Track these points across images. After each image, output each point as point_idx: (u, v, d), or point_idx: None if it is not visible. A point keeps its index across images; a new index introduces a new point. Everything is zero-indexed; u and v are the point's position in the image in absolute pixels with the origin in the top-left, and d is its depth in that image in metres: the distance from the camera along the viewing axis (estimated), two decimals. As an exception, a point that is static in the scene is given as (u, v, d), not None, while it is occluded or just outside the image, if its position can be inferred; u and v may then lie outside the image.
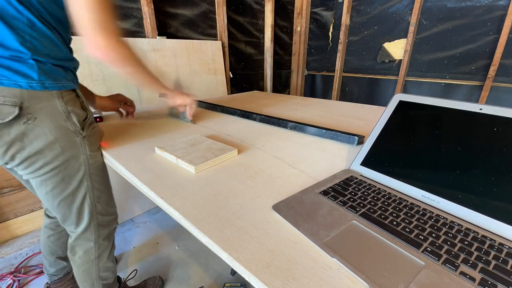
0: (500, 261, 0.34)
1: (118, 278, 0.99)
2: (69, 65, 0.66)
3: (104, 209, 0.78)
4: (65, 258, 0.99)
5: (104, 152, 0.75)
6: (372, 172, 0.55)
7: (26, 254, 1.30)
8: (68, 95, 0.64)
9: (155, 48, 1.57)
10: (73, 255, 0.78)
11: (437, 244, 0.37)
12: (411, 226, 0.40)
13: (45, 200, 0.70)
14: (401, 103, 0.58)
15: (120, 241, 1.40)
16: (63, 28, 0.64)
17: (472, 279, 0.32)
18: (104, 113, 1.14)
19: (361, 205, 0.46)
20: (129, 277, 1.17)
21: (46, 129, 0.60)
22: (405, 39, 1.93)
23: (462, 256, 0.35)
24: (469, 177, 0.44)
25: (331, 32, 2.36)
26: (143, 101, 1.55)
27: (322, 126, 0.92)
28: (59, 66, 0.62)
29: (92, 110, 0.82)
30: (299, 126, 0.90)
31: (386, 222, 0.41)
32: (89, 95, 0.90)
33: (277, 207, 0.46)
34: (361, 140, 0.77)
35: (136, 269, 1.22)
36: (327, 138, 0.83)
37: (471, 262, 0.34)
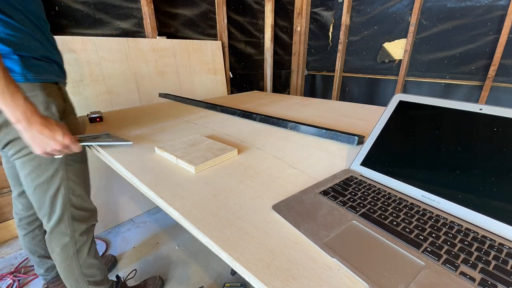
0: (500, 261, 0.34)
1: (117, 277, 0.99)
2: (54, 58, 0.71)
3: (79, 203, 0.78)
4: (49, 257, 0.99)
5: (104, 152, 0.75)
6: (372, 172, 0.55)
7: (26, 254, 1.30)
8: (50, 88, 0.69)
9: (155, 48, 1.57)
10: (52, 253, 0.79)
11: (437, 244, 0.37)
12: (411, 226, 0.40)
13: (25, 185, 0.73)
14: (401, 103, 0.58)
15: (120, 241, 1.40)
16: (42, 23, 0.68)
17: (472, 279, 0.32)
18: (104, 111, 1.14)
19: (361, 205, 0.46)
20: (129, 276, 1.17)
21: None
22: (405, 39, 1.93)
23: (462, 256, 0.35)
24: (469, 177, 0.44)
25: (331, 32, 2.36)
26: (142, 101, 1.55)
27: (322, 126, 0.92)
28: (42, 60, 0.67)
29: (94, 110, 0.83)
30: (298, 126, 0.90)
31: (386, 222, 0.41)
32: None
33: (277, 207, 0.46)
34: (361, 140, 0.77)
35: (135, 269, 1.22)
36: (327, 138, 0.83)
37: (471, 262, 0.34)
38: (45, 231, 0.81)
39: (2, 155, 0.79)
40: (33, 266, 1.23)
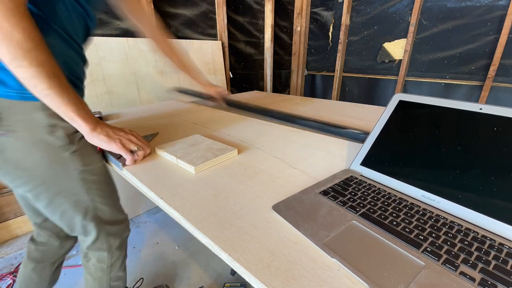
0: (500, 261, 0.34)
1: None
2: (67, 69, 0.59)
3: (111, 219, 0.74)
4: None
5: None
6: (372, 172, 0.55)
7: (26, 254, 1.30)
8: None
9: (155, 48, 1.57)
10: (87, 262, 0.76)
11: (437, 244, 0.37)
12: (411, 226, 0.40)
13: (48, 214, 0.67)
14: (401, 103, 0.58)
15: (120, 241, 1.40)
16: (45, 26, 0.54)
17: (472, 279, 0.32)
18: (105, 113, 1.14)
19: (361, 205, 0.46)
20: (136, 285, 1.16)
21: (25, 143, 0.56)
22: (405, 39, 1.93)
23: (462, 256, 0.35)
24: (469, 177, 0.44)
25: (331, 32, 2.36)
26: (142, 101, 1.55)
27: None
28: None
29: (94, 110, 0.79)
30: (307, 122, 0.93)
31: (386, 222, 0.41)
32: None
33: (277, 207, 0.46)
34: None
35: (142, 278, 1.20)
36: (335, 135, 0.84)
37: (471, 262, 0.34)
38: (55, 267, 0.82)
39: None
40: (33, 266, 1.23)
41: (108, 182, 0.74)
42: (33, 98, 0.52)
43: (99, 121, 0.61)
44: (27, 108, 0.54)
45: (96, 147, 0.68)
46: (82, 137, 0.61)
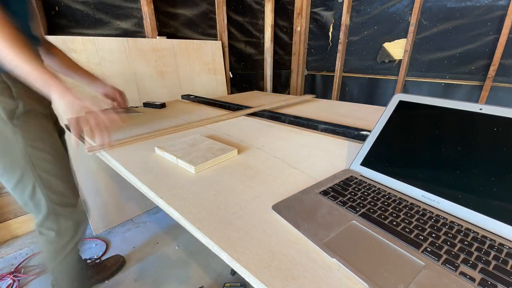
0: (500, 261, 0.34)
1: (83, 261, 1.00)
2: None
3: (62, 200, 0.77)
4: None
5: (103, 152, 0.75)
6: (372, 172, 0.55)
7: (26, 254, 1.30)
8: None
9: (155, 48, 1.57)
10: (39, 240, 0.79)
11: (437, 244, 0.37)
12: (411, 226, 0.40)
13: (4, 183, 0.72)
14: (401, 103, 0.58)
15: (120, 241, 1.40)
16: None
17: (472, 279, 0.32)
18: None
19: (361, 205, 0.46)
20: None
21: None
22: (405, 39, 1.93)
23: (462, 256, 0.35)
24: (469, 177, 0.44)
25: (331, 32, 2.35)
26: (142, 101, 1.55)
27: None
28: None
29: None
30: (311, 123, 0.93)
31: (386, 222, 0.41)
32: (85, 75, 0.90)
33: (276, 207, 0.46)
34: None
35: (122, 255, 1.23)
36: (335, 135, 0.84)
37: (471, 262, 0.34)
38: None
39: None
40: (33, 266, 1.23)
41: (61, 163, 0.76)
42: None
43: (71, 88, 0.62)
44: None
45: (49, 126, 0.72)
46: (25, 113, 0.66)
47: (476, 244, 0.37)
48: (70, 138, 0.69)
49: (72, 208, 0.80)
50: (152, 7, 1.54)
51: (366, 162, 0.57)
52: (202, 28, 1.84)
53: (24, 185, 0.71)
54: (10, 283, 1.13)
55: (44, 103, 0.75)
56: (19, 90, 0.66)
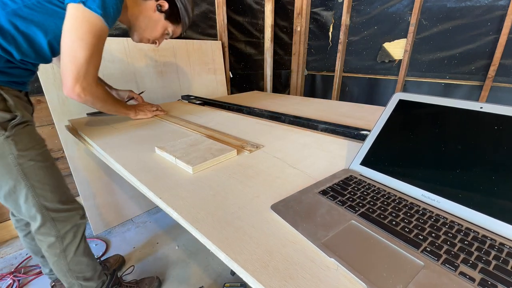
0: (500, 261, 0.34)
1: (113, 272, 1.00)
2: None
3: (55, 206, 0.77)
4: None
5: (103, 152, 0.75)
6: (371, 171, 0.55)
7: (26, 254, 1.29)
8: None
9: (155, 48, 1.57)
10: (41, 247, 0.80)
11: (436, 244, 0.37)
12: (410, 226, 0.40)
13: None
14: (401, 102, 0.57)
15: (120, 241, 1.40)
16: None
17: (472, 279, 0.31)
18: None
19: (360, 204, 0.46)
20: (126, 272, 1.18)
21: None
22: (405, 39, 1.93)
23: (462, 256, 0.35)
24: (470, 176, 0.43)
25: (331, 32, 2.35)
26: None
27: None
28: None
29: (94, 111, 0.83)
30: (311, 123, 0.94)
31: (386, 221, 0.41)
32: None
33: (275, 207, 0.46)
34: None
35: (133, 265, 1.23)
36: (335, 134, 0.83)
37: (471, 262, 0.34)
38: None
39: None
40: (33, 266, 1.23)
41: (51, 171, 0.77)
42: None
43: (133, 106, 1.06)
44: None
45: (37, 135, 0.76)
46: (17, 125, 0.69)
47: (476, 244, 0.36)
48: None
49: (68, 212, 0.81)
50: (152, 7, 1.53)
51: (365, 162, 0.57)
52: (202, 28, 1.84)
53: (16, 195, 0.72)
54: (10, 283, 1.13)
55: (30, 112, 0.77)
56: (14, 101, 0.68)
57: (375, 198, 0.47)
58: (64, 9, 0.65)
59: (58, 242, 0.79)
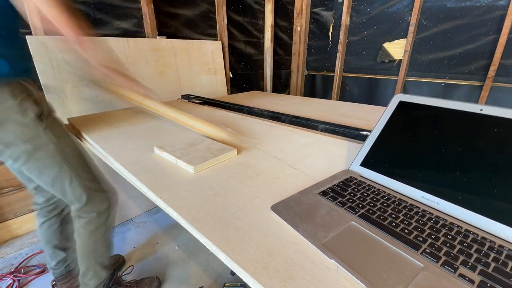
0: (499, 263, 0.34)
1: (113, 271, 1.00)
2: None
3: (96, 186, 0.84)
4: (62, 249, 1.02)
5: (102, 151, 0.75)
6: (371, 172, 0.55)
7: (26, 254, 1.30)
8: (20, 94, 0.68)
9: (155, 48, 1.57)
10: (78, 227, 0.85)
11: (436, 245, 0.37)
12: (410, 228, 0.40)
13: (42, 183, 0.79)
14: (401, 104, 0.57)
15: (120, 241, 1.40)
16: None
17: (471, 281, 0.31)
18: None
19: (360, 206, 0.46)
20: (125, 272, 1.18)
21: (12, 124, 0.69)
22: (405, 39, 1.93)
23: (461, 258, 0.35)
24: (469, 178, 0.43)
25: (331, 32, 2.35)
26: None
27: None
28: None
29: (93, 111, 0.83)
30: (311, 123, 0.94)
31: (385, 223, 0.41)
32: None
33: (275, 208, 0.46)
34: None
35: (132, 265, 1.23)
36: (335, 135, 0.83)
37: (470, 264, 0.34)
38: (62, 220, 0.97)
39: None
40: (33, 266, 1.23)
41: (84, 154, 0.84)
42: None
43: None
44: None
45: (62, 123, 0.82)
46: (48, 116, 0.75)
47: (475, 246, 0.36)
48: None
49: (104, 192, 0.88)
50: (152, 7, 1.53)
51: (366, 163, 0.57)
52: (202, 28, 1.84)
53: (62, 179, 0.78)
54: (10, 283, 1.13)
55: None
56: (38, 95, 0.74)
57: (375, 199, 0.47)
58: None
59: (97, 218, 0.85)
